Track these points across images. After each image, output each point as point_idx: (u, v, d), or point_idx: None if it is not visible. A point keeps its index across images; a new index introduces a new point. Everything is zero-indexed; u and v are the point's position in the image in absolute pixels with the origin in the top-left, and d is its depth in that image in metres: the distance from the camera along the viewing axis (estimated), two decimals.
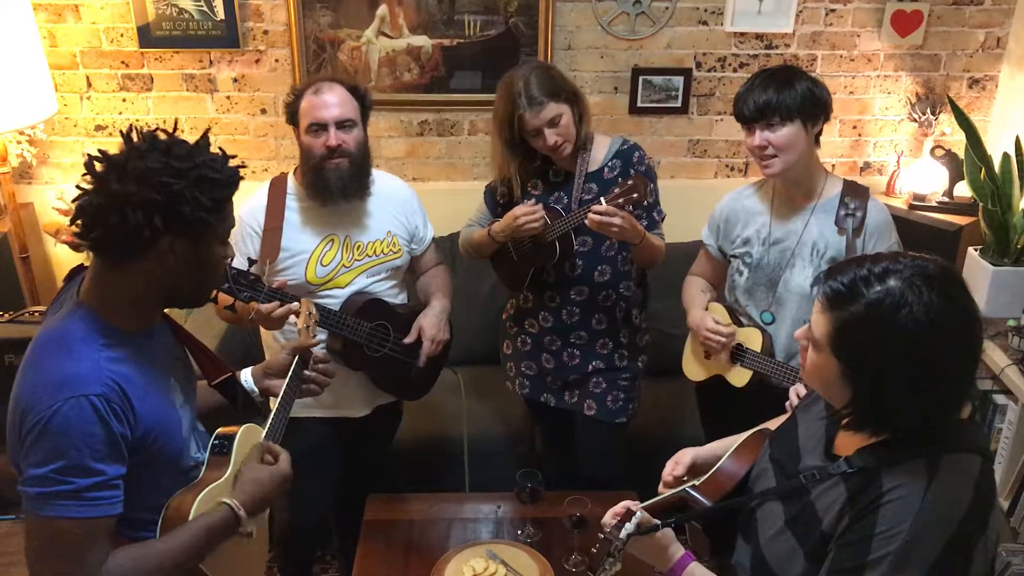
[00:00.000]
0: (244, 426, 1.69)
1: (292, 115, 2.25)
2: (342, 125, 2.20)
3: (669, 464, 1.75)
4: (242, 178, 1.50)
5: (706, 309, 2.42)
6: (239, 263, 2.08)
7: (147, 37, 3.12)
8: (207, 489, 1.54)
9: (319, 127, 2.19)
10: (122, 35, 3.14)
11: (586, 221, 2.19)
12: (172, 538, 1.47)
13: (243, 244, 2.26)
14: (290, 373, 1.82)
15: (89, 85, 3.21)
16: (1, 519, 2.44)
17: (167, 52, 3.17)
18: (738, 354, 2.31)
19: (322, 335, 2.25)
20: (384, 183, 2.42)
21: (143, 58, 3.18)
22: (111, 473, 1.38)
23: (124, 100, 3.23)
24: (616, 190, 2.19)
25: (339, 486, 2.61)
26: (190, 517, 1.49)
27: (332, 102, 2.19)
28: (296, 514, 2.52)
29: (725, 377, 2.35)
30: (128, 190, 1.36)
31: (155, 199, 1.36)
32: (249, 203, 2.30)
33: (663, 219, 2.45)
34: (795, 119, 2.10)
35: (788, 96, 2.09)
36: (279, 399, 1.78)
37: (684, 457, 1.75)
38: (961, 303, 1.26)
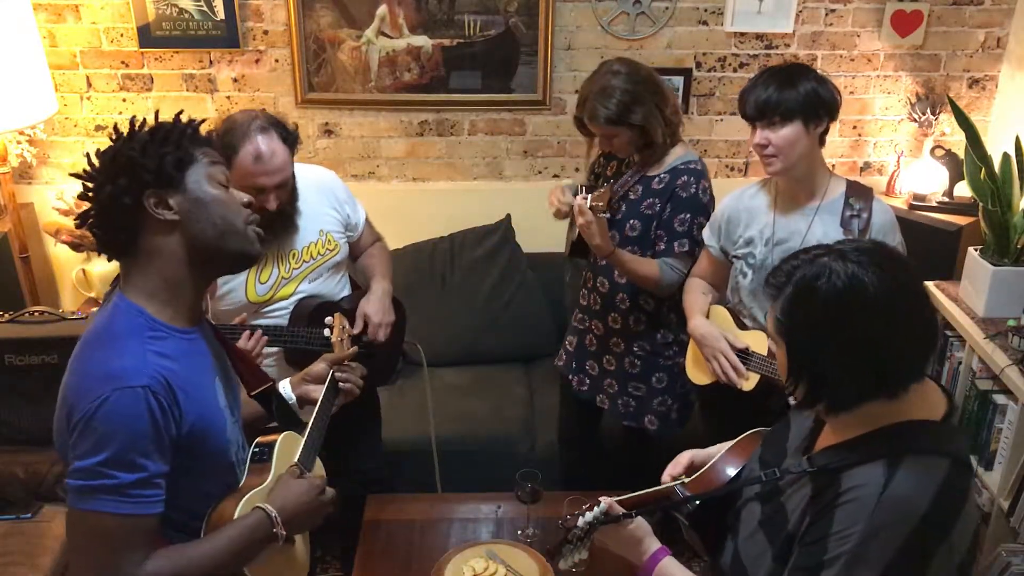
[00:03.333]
0: (283, 434, 1.70)
1: (223, 159, 2.14)
2: (280, 186, 2.14)
3: (669, 466, 1.76)
4: (198, 125, 1.51)
5: (708, 314, 2.40)
6: None
7: (147, 37, 3.12)
8: (248, 496, 1.54)
9: (259, 190, 2.09)
10: (122, 35, 3.14)
11: None
12: (210, 542, 1.46)
13: None
14: (326, 384, 1.83)
15: (89, 85, 3.21)
16: (1, 519, 2.44)
17: (167, 52, 3.17)
18: (743, 358, 2.30)
19: (273, 349, 2.26)
20: (304, 180, 2.27)
21: (143, 58, 3.18)
22: (153, 470, 1.37)
23: (124, 100, 3.23)
24: (596, 192, 2.21)
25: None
26: None
27: (274, 169, 2.09)
28: None
29: None
30: (95, 176, 1.43)
31: (115, 168, 1.41)
32: None
33: (684, 252, 2.39)
34: (796, 119, 2.08)
35: (790, 95, 2.07)
36: (316, 409, 1.78)
37: (682, 458, 1.76)
38: (891, 273, 1.25)
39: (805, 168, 2.17)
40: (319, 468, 1.76)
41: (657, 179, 2.39)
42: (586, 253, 2.48)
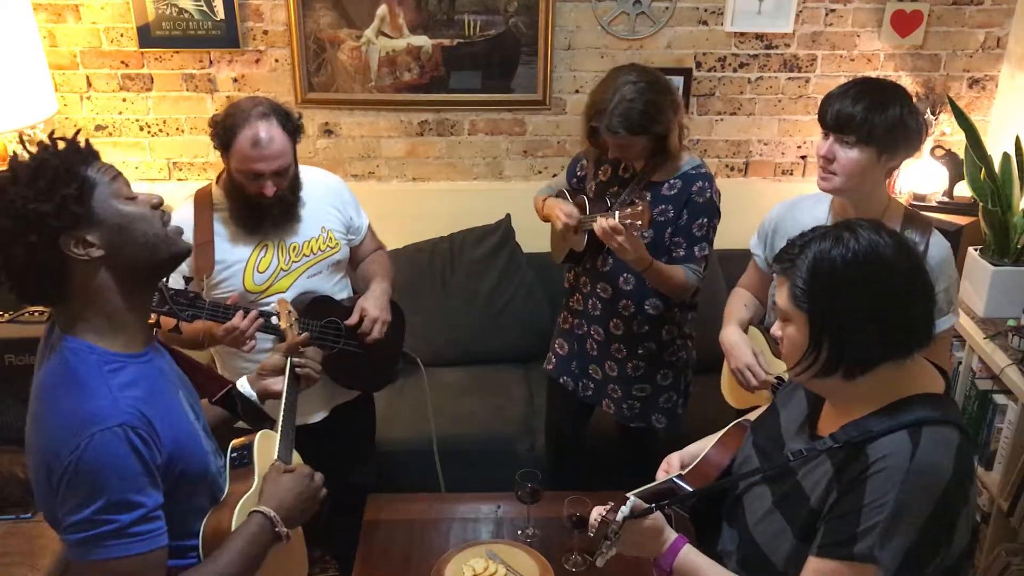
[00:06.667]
0: (258, 433, 1.68)
1: (223, 143, 2.12)
2: (278, 173, 2.15)
3: (660, 472, 1.78)
4: (78, 142, 1.39)
5: (745, 332, 2.27)
6: (175, 282, 1.99)
7: (147, 37, 3.12)
8: (241, 502, 1.52)
9: (255, 175, 2.12)
10: (122, 35, 3.14)
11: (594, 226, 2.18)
12: (220, 559, 1.44)
13: None
14: (287, 372, 1.81)
15: (89, 85, 3.21)
16: (1, 519, 2.44)
17: (167, 52, 3.17)
18: (779, 388, 2.16)
19: (267, 343, 2.23)
20: (311, 179, 2.33)
21: (143, 58, 3.18)
22: (150, 504, 1.35)
23: (124, 100, 3.23)
24: (628, 210, 2.13)
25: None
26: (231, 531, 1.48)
27: (271, 155, 2.10)
28: None
29: None
30: (4, 228, 1.31)
31: (21, 226, 1.31)
32: (174, 221, 2.27)
33: (704, 256, 2.35)
34: (871, 145, 1.91)
35: (876, 120, 1.89)
36: (283, 400, 1.76)
37: (672, 459, 1.79)
38: (897, 240, 1.36)
39: (863, 194, 2.01)
40: (296, 459, 1.74)
41: (667, 185, 2.34)
42: (580, 259, 2.47)
